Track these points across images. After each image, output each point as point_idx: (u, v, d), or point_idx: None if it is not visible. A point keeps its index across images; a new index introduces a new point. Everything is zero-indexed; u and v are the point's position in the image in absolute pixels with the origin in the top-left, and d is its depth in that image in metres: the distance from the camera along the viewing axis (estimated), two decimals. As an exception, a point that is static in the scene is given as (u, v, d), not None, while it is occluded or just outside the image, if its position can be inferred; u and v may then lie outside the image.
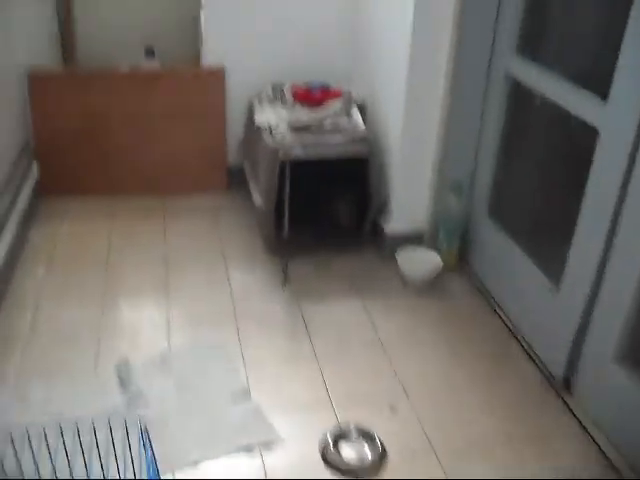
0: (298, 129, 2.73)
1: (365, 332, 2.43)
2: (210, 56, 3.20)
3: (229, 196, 3.31)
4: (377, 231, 2.88)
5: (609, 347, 1.96)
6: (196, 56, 3.34)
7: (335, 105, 2.89)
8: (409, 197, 2.77)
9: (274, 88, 3.07)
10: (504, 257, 2.52)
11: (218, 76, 3.17)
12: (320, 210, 2.89)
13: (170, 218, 3.14)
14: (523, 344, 2.37)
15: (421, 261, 2.69)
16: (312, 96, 2.91)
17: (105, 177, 3.26)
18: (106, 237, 2.97)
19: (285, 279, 2.57)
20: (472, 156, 2.67)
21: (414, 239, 2.81)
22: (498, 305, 2.56)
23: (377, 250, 2.89)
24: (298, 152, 2.65)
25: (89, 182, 3.25)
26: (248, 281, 2.70)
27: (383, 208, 2.85)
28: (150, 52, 4.11)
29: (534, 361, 2.30)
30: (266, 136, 2.73)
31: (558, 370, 2.19)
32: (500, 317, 2.52)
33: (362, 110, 2.99)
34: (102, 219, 3.10)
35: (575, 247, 2.10)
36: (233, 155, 3.30)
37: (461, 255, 2.80)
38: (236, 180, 3.24)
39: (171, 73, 3.24)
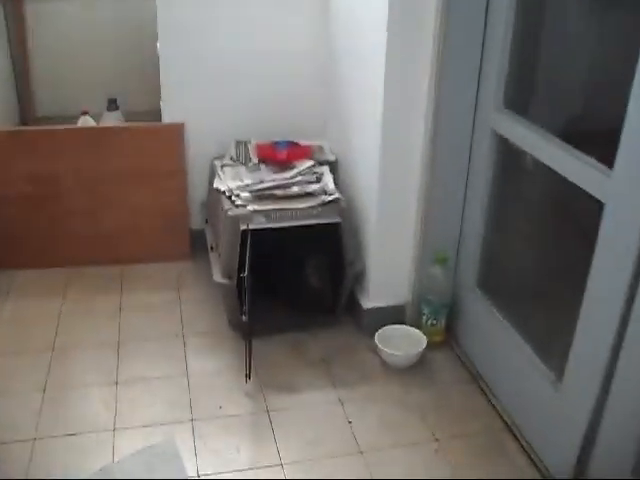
0: (261, 195, 2.43)
1: (340, 432, 2.11)
2: (169, 111, 2.92)
3: (192, 264, 3.00)
4: (354, 305, 2.57)
5: (625, 455, 1.65)
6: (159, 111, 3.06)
7: (303, 165, 2.60)
8: (388, 268, 2.47)
9: (238, 146, 2.78)
10: (496, 336, 2.22)
11: (177, 133, 2.88)
12: (290, 283, 2.58)
13: (127, 291, 2.83)
14: (521, 442, 2.06)
15: (403, 342, 2.39)
16: (277, 155, 2.62)
17: (56, 246, 2.95)
18: (55, 316, 2.66)
19: (249, 369, 2.25)
20: (458, 222, 2.38)
21: (395, 315, 2.50)
22: (491, 392, 2.25)
23: (355, 327, 2.58)
24: (261, 221, 2.36)
25: (39, 253, 2.95)
26: (209, 369, 2.39)
27: (360, 279, 2.54)
28: (113, 104, 3.84)
29: (534, 463, 1.99)
30: (226, 203, 2.44)
31: (563, 476, 1.87)
32: (494, 407, 2.21)
33: (335, 167, 2.71)
34: (52, 295, 2.79)
35: (581, 331, 1.80)
36: (196, 219, 3.01)
37: (448, 329, 2.49)
38: (200, 246, 2.93)
39: (126, 130, 2.95)
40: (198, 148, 2.92)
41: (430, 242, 2.39)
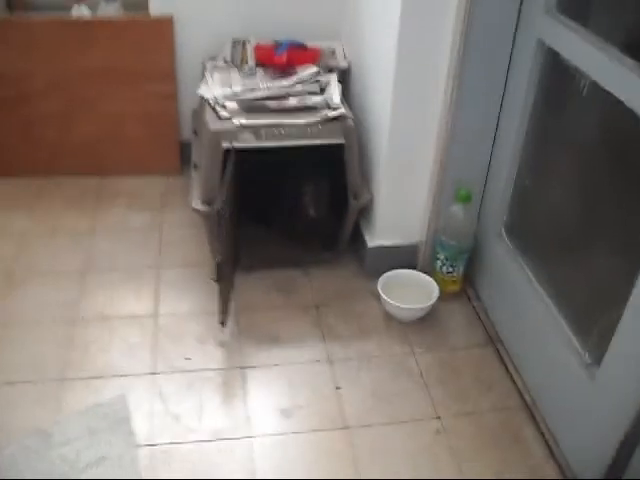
0: (251, 106, 2.02)
1: (325, 400, 1.78)
2: (158, 2, 2.48)
3: (181, 180, 2.62)
4: (358, 242, 2.19)
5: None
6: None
7: (308, 72, 2.17)
8: (400, 201, 2.07)
9: (234, 47, 2.35)
10: (522, 294, 1.83)
11: (165, 28, 2.46)
12: (283, 212, 2.20)
13: (103, 208, 2.49)
14: (542, 428, 1.70)
15: (412, 291, 2.03)
16: (276, 59, 2.19)
17: (27, 154, 2.62)
18: (18, 234, 2.34)
19: (225, 315, 1.90)
20: (487, 153, 1.96)
21: (405, 257, 2.12)
22: (511, 360, 1.88)
23: (357, 267, 2.21)
24: (248, 139, 1.96)
25: (7, 161, 2.60)
26: (182, 310, 2.05)
27: (366, 212, 2.15)
28: (110, -8, 3.39)
29: (554, 457, 1.64)
30: (209, 114, 2.04)
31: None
32: (513, 379, 1.84)
33: (347, 77, 2.27)
34: (18, 208, 2.47)
35: (633, 305, 1.39)
36: (188, 129, 2.60)
37: (466, 279, 2.11)
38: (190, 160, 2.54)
39: (105, 23, 2.54)
40: (191, 47, 2.52)
41: (452, 174, 1.98)
